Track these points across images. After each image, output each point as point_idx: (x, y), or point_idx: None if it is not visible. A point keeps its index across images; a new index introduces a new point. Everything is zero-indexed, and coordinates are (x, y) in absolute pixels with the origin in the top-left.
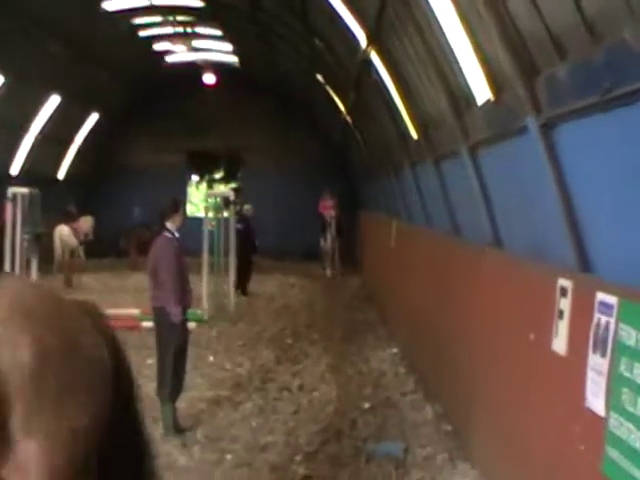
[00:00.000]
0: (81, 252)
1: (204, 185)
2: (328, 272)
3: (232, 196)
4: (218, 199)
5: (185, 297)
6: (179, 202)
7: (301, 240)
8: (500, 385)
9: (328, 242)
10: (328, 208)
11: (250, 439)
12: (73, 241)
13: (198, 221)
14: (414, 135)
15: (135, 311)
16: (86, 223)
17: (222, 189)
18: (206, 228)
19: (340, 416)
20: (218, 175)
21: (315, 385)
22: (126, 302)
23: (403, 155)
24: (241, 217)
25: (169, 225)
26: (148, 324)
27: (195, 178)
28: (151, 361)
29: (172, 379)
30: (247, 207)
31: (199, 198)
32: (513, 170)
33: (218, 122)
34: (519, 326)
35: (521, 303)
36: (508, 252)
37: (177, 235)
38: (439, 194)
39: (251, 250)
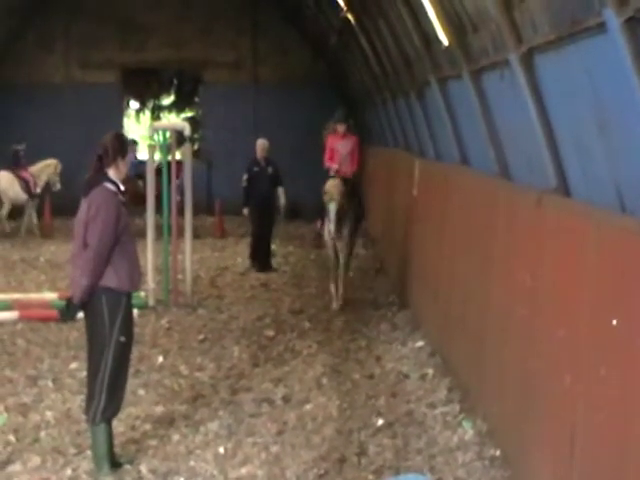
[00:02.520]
0: (32, 210)
1: (147, 115)
2: (335, 304)
3: (187, 130)
4: (168, 134)
5: (132, 275)
6: (125, 140)
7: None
8: (575, 394)
9: (341, 234)
10: (341, 158)
11: (216, 473)
12: (17, 194)
13: (140, 166)
14: (444, 40)
15: (50, 295)
16: (48, 169)
17: (173, 120)
18: (151, 176)
19: (343, 438)
20: (167, 100)
21: (307, 395)
22: (36, 282)
23: (428, 68)
24: (262, 157)
25: (112, 173)
26: None
27: (134, 105)
28: (76, 365)
29: (108, 391)
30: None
31: (141, 133)
32: (585, 83)
33: (166, 25)
34: (600, 308)
35: (604, 275)
36: (581, 202)
37: (122, 189)
38: (479, 121)
39: (275, 205)
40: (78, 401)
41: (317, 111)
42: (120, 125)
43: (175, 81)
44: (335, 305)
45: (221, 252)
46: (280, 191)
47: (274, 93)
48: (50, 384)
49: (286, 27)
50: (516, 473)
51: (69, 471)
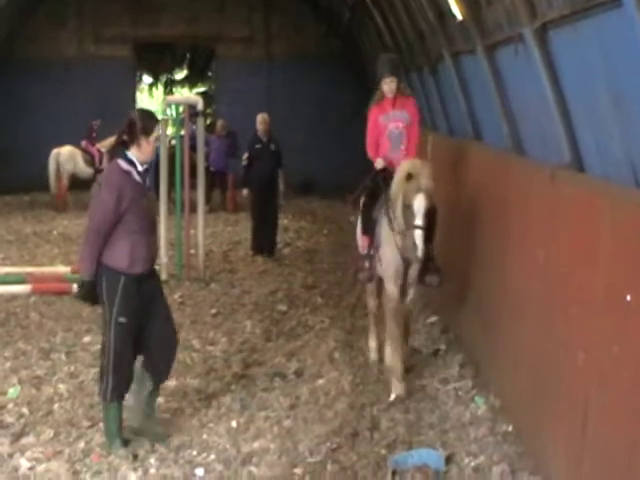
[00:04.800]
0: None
1: (160, 89)
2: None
3: (200, 104)
4: (180, 108)
5: (134, 256)
6: (152, 119)
7: (296, 168)
8: (588, 371)
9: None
10: (392, 139)
11: (229, 447)
12: (81, 168)
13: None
14: (458, 14)
15: (63, 268)
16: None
17: (186, 94)
18: (164, 150)
19: (356, 413)
20: (180, 75)
21: (319, 370)
22: (49, 256)
23: (442, 42)
24: (264, 133)
25: (132, 151)
26: None
27: (147, 79)
28: (89, 338)
29: (114, 370)
30: (221, 122)
31: (153, 108)
32: (600, 58)
33: (178, 0)
34: (614, 284)
35: (619, 250)
36: (595, 177)
37: (140, 169)
38: (493, 96)
39: (277, 185)
40: (91, 374)
41: (330, 87)
42: (133, 99)
43: (188, 56)
44: (396, 391)
45: (234, 227)
46: (280, 174)
47: (287, 69)
48: (63, 357)
49: (299, 3)
50: (528, 449)
51: (82, 444)
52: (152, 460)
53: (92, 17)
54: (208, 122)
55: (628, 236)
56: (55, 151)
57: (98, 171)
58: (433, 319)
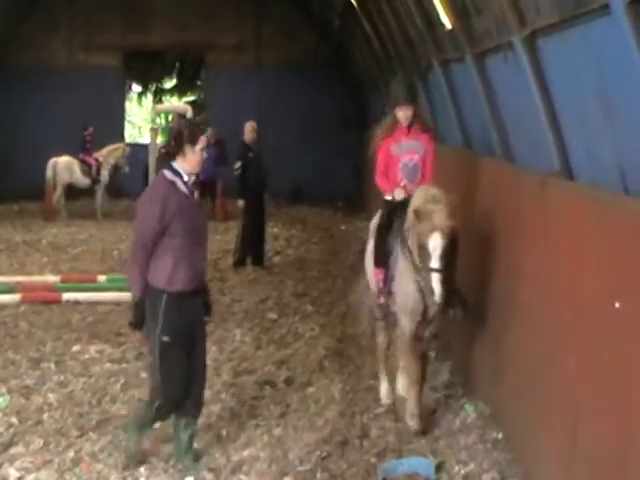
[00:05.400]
0: (98, 194)
1: (149, 98)
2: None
3: (190, 112)
4: (170, 117)
5: (175, 274)
6: (196, 127)
7: (286, 175)
8: (578, 377)
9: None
10: (407, 172)
11: (219, 455)
12: (78, 178)
13: (142, 149)
14: (447, 23)
15: (53, 278)
16: (115, 152)
17: (175, 103)
18: (153, 159)
19: (346, 421)
20: (169, 84)
21: (309, 378)
22: (39, 265)
23: (431, 50)
24: (253, 141)
25: (178, 162)
26: (71, 296)
27: (136, 88)
28: (78, 347)
29: (164, 390)
30: (209, 130)
31: (142, 117)
32: (589, 66)
33: (169, 8)
34: (604, 291)
35: (608, 257)
36: (584, 184)
37: (186, 179)
38: (482, 104)
39: (263, 193)
40: (80, 383)
41: (320, 94)
42: (122, 108)
43: (178, 64)
44: (413, 426)
45: (223, 235)
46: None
47: (277, 76)
48: (53, 366)
49: (290, 10)
50: (518, 456)
51: (71, 453)
52: (142, 469)
53: (83, 25)
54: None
55: (617, 243)
56: (53, 160)
57: (95, 181)
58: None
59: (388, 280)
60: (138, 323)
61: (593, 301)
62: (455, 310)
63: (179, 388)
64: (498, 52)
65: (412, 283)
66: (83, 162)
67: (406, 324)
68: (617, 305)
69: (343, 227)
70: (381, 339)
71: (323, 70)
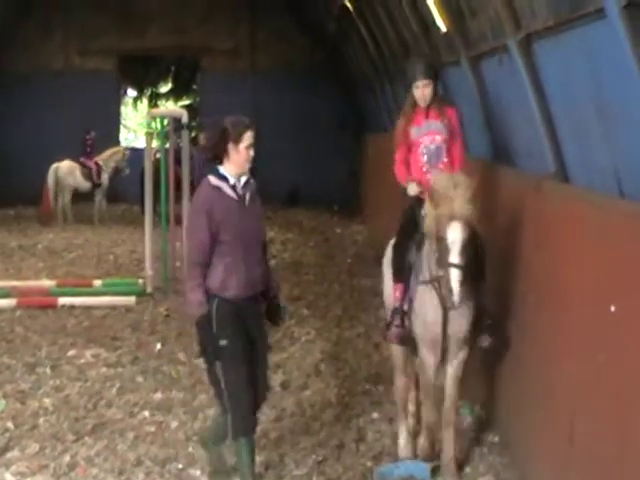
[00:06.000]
0: (100, 197)
1: (145, 102)
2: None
3: (185, 117)
4: (165, 121)
5: (226, 280)
6: (241, 125)
7: (282, 179)
8: (574, 380)
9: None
10: (428, 156)
11: (215, 459)
12: (79, 182)
13: (137, 153)
14: (442, 26)
15: (48, 282)
16: (115, 155)
17: (171, 107)
18: (149, 163)
19: (342, 425)
20: (165, 88)
21: (305, 382)
22: (34, 270)
23: (427, 53)
24: None
25: (225, 164)
26: (66, 300)
27: (132, 93)
28: (74, 352)
29: (231, 403)
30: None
31: (138, 121)
32: (584, 69)
33: (164, 13)
34: (599, 294)
35: (604, 260)
36: (580, 187)
37: (233, 182)
38: (477, 107)
39: None
40: (76, 388)
41: (315, 98)
42: (118, 113)
43: (173, 69)
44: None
45: None
46: None
47: (272, 81)
48: (48, 371)
49: (285, 14)
50: (515, 459)
51: (67, 458)
52: (138, 473)
53: (78, 30)
54: (193, 134)
55: (613, 246)
56: (54, 165)
57: (96, 185)
58: None
59: (407, 298)
60: (202, 349)
61: (589, 304)
62: (483, 336)
63: (248, 396)
64: (493, 55)
65: (434, 301)
66: (83, 166)
67: (426, 357)
68: (613, 308)
69: (339, 231)
70: (400, 381)
71: (318, 74)
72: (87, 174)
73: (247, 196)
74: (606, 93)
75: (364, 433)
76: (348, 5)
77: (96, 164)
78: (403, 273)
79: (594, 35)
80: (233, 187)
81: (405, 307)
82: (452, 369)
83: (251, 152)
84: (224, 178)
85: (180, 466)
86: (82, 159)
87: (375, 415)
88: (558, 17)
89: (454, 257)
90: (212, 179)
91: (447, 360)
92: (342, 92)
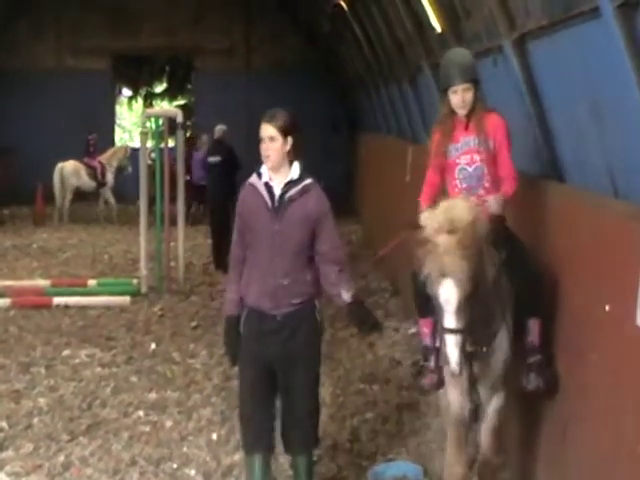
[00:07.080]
0: (108, 196)
1: (139, 102)
2: None
3: (180, 117)
4: (160, 121)
5: (250, 290)
6: (263, 118)
7: None
8: (567, 379)
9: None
10: (467, 179)
11: (209, 459)
12: (84, 182)
13: (133, 153)
14: (437, 26)
15: (43, 282)
16: (118, 154)
17: (165, 107)
18: (144, 163)
19: (335, 424)
20: (159, 88)
21: None
22: (29, 269)
23: (421, 53)
24: (216, 143)
25: (265, 168)
26: (61, 300)
27: (126, 92)
28: (68, 352)
29: (240, 418)
30: (204, 137)
31: (133, 121)
32: (579, 69)
33: (158, 12)
34: (594, 294)
35: (598, 260)
36: (574, 186)
37: (266, 179)
38: None
39: (232, 197)
40: (71, 388)
41: (310, 98)
42: (112, 112)
43: (167, 68)
44: None
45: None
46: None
47: (267, 80)
48: (42, 371)
49: (279, 14)
50: (509, 459)
51: (62, 457)
52: (133, 473)
53: (70, 29)
54: (188, 134)
55: (607, 246)
56: (59, 165)
57: (101, 184)
58: (413, 330)
59: (438, 334)
60: (228, 350)
61: (583, 303)
62: (529, 377)
63: (254, 415)
64: (488, 55)
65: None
66: (88, 166)
67: (452, 397)
68: (607, 308)
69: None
70: (453, 463)
71: (312, 73)
72: (92, 174)
73: (286, 197)
74: (601, 93)
75: (358, 433)
76: (342, 4)
77: (100, 163)
78: (429, 306)
79: (589, 35)
80: (266, 185)
81: (437, 343)
82: (486, 420)
83: (263, 147)
84: (259, 175)
85: (174, 466)
86: (86, 159)
87: (369, 415)
88: (552, 17)
89: (449, 321)
90: (252, 179)
91: (479, 412)
92: (336, 92)
